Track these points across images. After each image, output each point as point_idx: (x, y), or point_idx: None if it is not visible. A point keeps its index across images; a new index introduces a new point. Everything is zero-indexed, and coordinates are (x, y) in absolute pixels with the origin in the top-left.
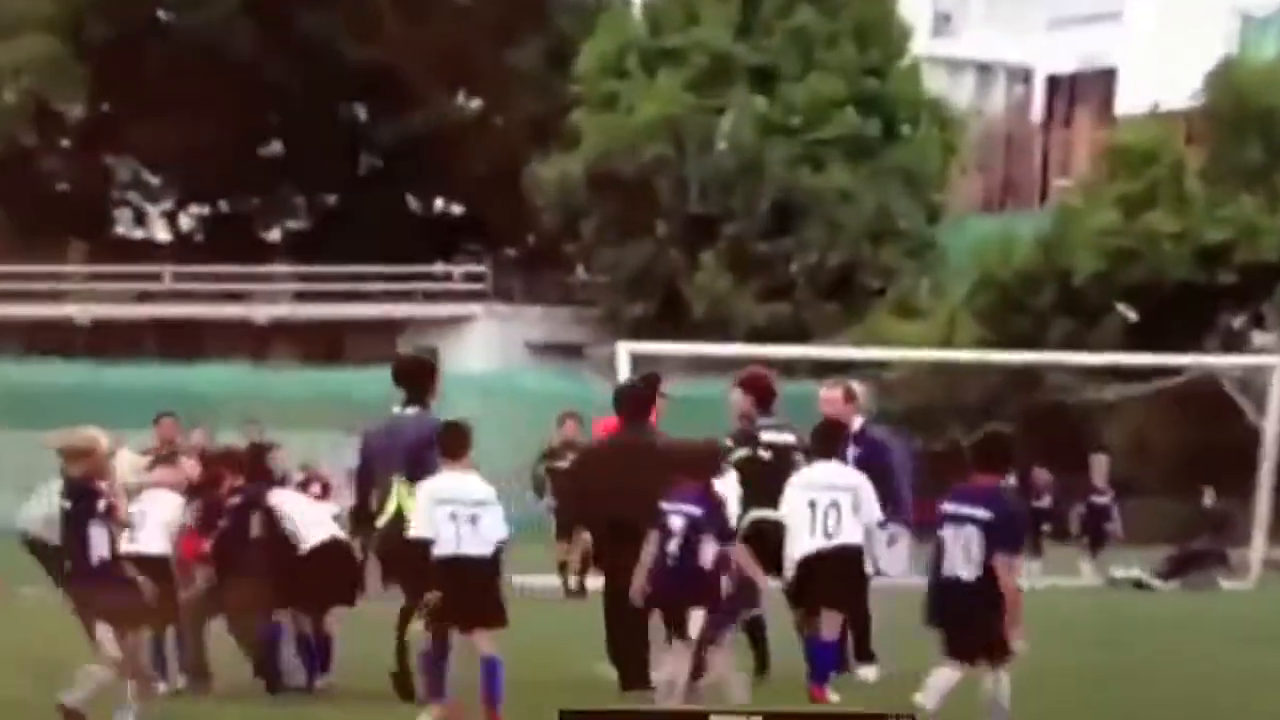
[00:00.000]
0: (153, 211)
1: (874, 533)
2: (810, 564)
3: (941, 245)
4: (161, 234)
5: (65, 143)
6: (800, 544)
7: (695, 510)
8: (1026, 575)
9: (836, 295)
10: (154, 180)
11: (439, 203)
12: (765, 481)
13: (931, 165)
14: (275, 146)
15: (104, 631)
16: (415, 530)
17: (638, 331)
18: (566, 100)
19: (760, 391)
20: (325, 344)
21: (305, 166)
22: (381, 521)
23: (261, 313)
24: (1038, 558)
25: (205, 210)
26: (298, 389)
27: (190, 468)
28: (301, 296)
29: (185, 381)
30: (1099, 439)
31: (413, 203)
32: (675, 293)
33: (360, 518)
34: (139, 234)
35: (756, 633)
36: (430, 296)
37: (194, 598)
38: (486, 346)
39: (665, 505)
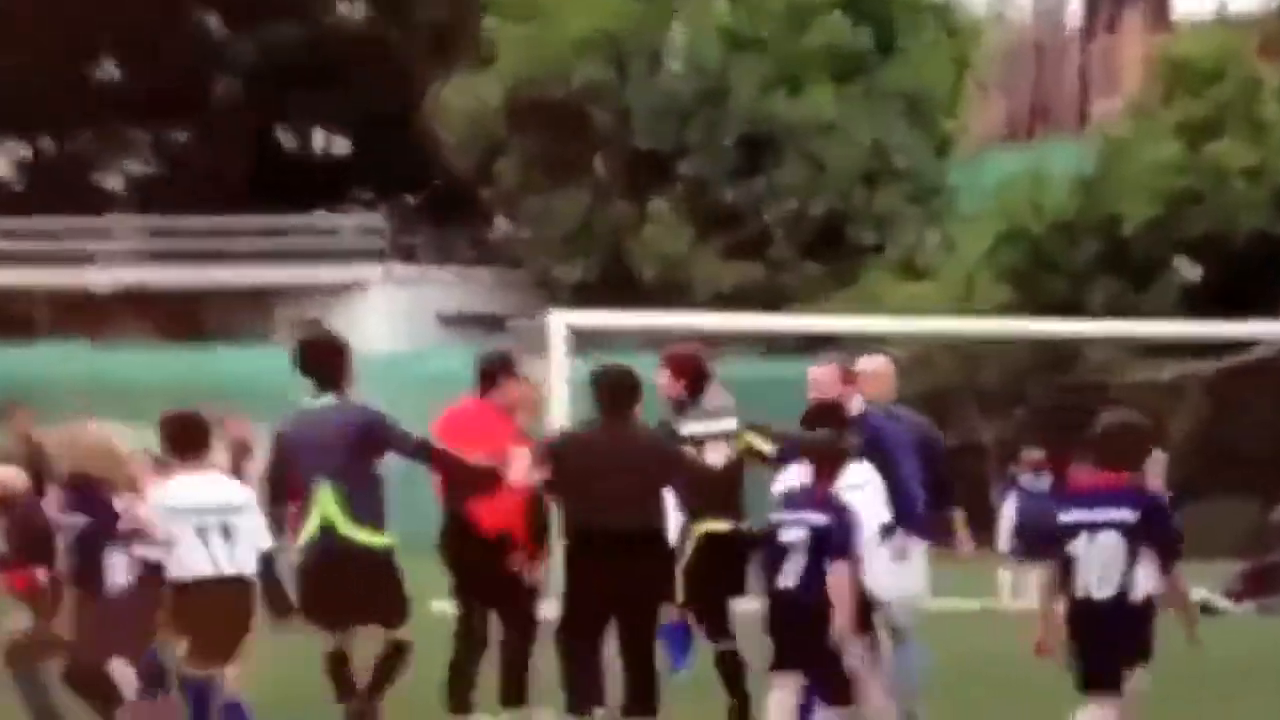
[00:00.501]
0: None
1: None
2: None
3: (953, 187)
4: None
5: None
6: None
7: (820, 519)
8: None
9: (821, 252)
10: None
11: (319, 138)
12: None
13: (939, 85)
14: (109, 69)
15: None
16: (149, 550)
17: (575, 299)
18: (476, 5)
19: (690, 373)
20: (181, 316)
21: (148, 93)
22: (305, 535)
23: (101, 278)
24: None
25: (25, 151)
26: (148, 372)
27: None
28: (150, 257)
29: (8, 365)
30: (1154, 431)
31: (285, 138)
32: (620, 250)
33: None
34: None
35: (734, 670)
36: (312, 256)
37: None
38: (386, 319)
39: (780, 516)
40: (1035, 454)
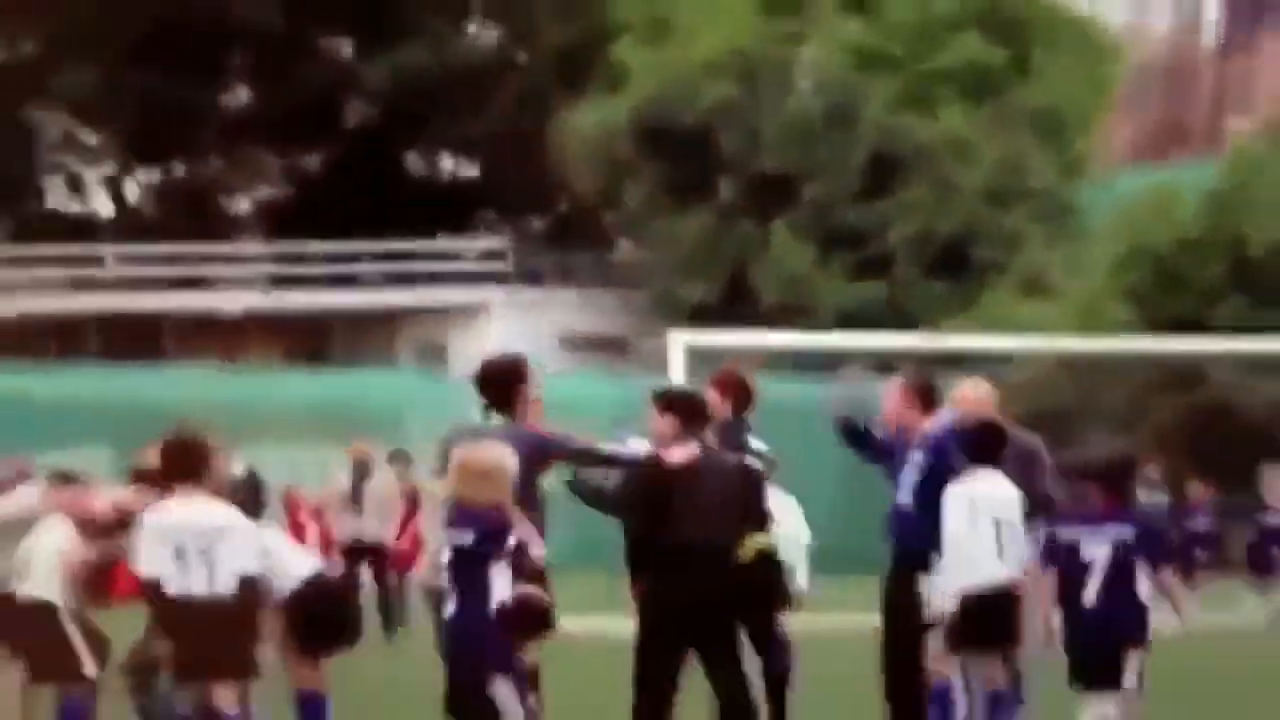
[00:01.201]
0: (91, 178)
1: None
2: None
3: (1081, 207)
4: (103, 207)
5: None
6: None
7: (1126, 530)
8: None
9: (946, 272)
10: (91, 139)
11: (447, 162)
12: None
13: (1073, 105)
14: (241, 94)
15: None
16: (140, 568)
17: (697, 320)
18: (607, 29)
19: (738, 392)
20: (308, 340)
21: (279, 119)
22: None
23: (230, 302)
24: (1191, 591)
25: (156, 176)
26: (276, 395)
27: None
28: (278, 282)
29: (137, 389)
30: (1275, 448)
31: (414, 163)
32: (743, 271)
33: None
34: (75, 207)
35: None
36: (437, 279)
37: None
38: (507, 340)
39: (1075, 529)
40: (1154, 470)
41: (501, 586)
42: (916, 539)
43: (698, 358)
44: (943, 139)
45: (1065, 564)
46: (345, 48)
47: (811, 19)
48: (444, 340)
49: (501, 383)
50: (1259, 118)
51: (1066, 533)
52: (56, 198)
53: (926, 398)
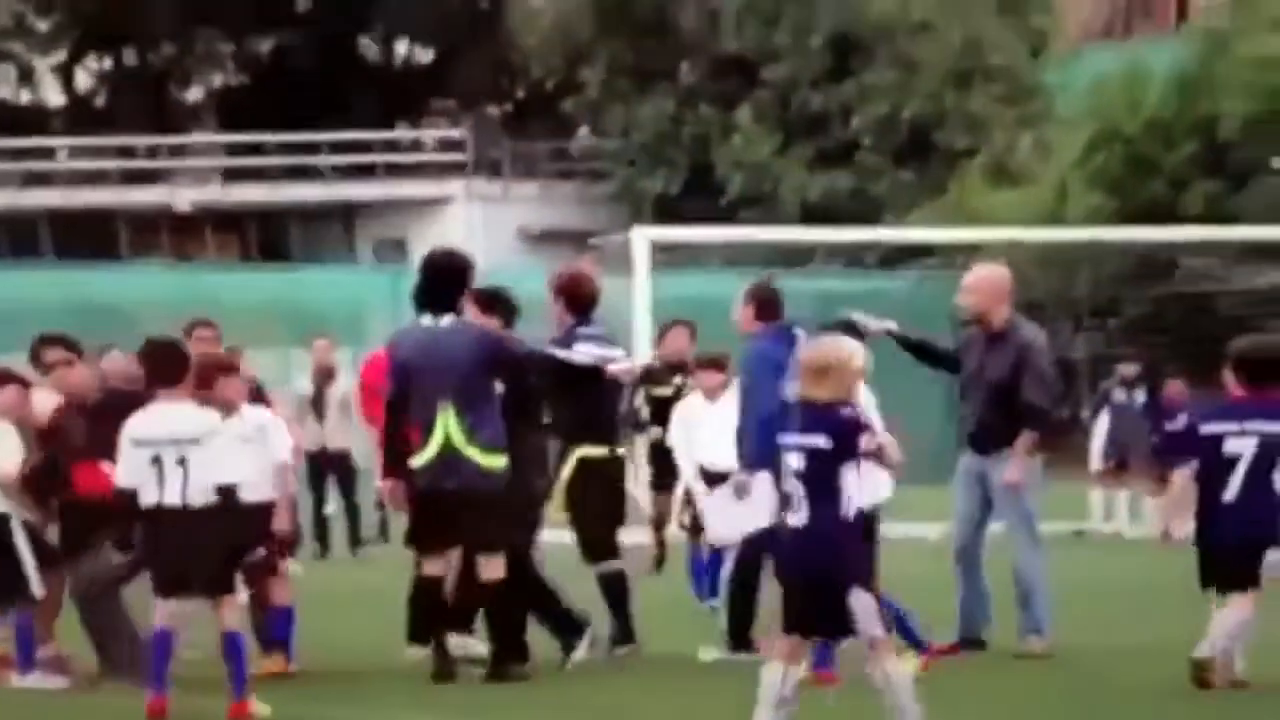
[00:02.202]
0: (40, 66)
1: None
2: None
3: (1048, 88)
4: (53, 96)
5: None
6: None
7: (1273, 427)
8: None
9: (912, 159)
10: (41, 25)
11: (401, 47)
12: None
13: None
14: None
15: None
16: (116, 479)
17: (660, 213)
18: None
19: (570, 295)
20: (264, 236)
21: (232, 3)
22: (423, 458)
23: (184, 197)
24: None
25: (108, 63)
26: (232, 293)
27: None
28: (233, 175)
29: (89, 287)
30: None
31: (369, 49)
32: (706, 161)
33: (395, 455)
34: (25, 97)
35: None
36: (395, 172)
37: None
38: (467, 235)
39: (1219, 427)
40: (1129, 368)
41: (855, 489)
42: None
43: (662, 251)
44: (903, 18)
45: (1206, 458)
46: None
47: None
48: (404, 235)
49: (449, 281)
50: None
51: (1208, 426)
52: (6, 88)
53: (770, 306)
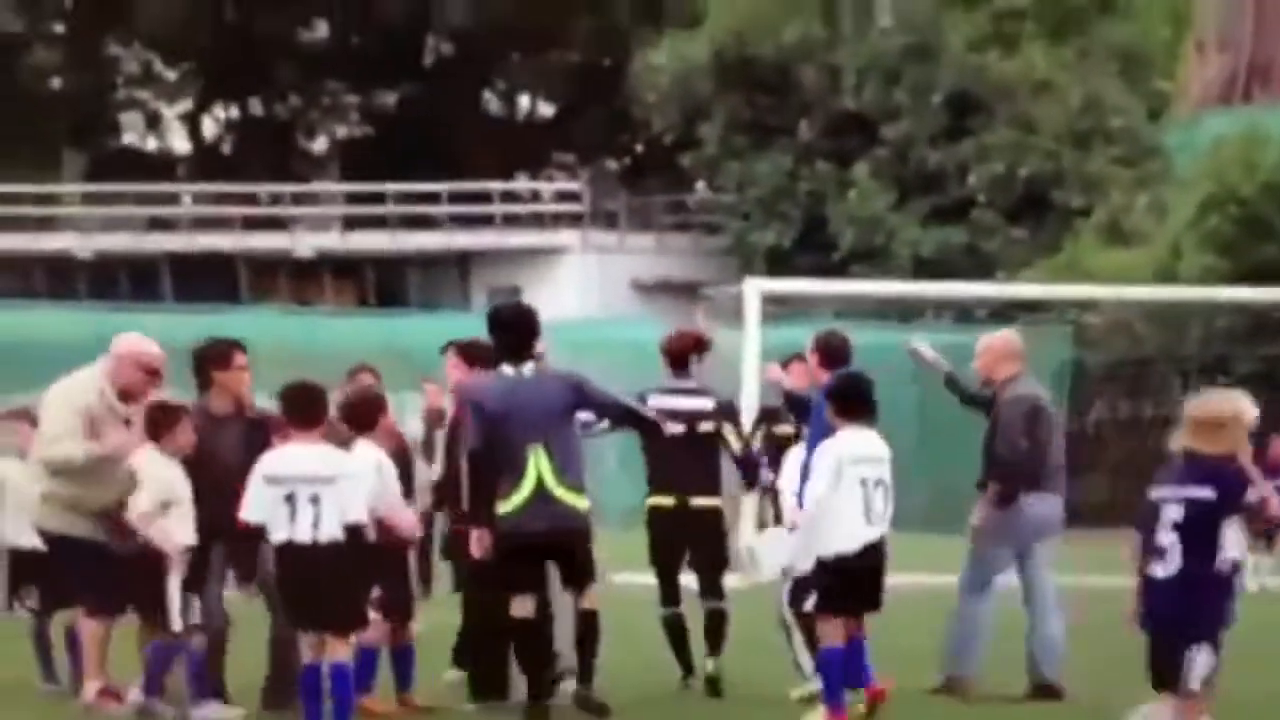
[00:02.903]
0: (168, 114)
1: None
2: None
3: (1166, 150)
4: (179, 143)
5: (58, 27)
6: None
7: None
8: (1254, 573)
9: (1027, 216)
10: (169, 74)
11: (524, 102)
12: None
13: (1156, 43)
14: (320, 29)
15: None
16: (245, 513)
17: (773, 265)
18: None
19: (669, 351)
20: (382, 282)
21: (357, 55)
22: (515, 501)
23: (304, 243)
24: (1270, 551)
25: (233, 112)
26: (349, 338)
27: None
28: (353, 223)
29: (210, 329)
30: None
31: (492, 102)
32: (820, 215)
33: (486, 502)
34: (151, 144)
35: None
36: (512, 221)
37: None
38: (582, 285)
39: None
40: None
41: (1232, 543)
42: None
43: (775, 303)
44: (1024, 77)
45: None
46: None
47: None
48: (518, 283)
49: (526, 332)
50: None
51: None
52: (133, 134)
53: (835, 355)
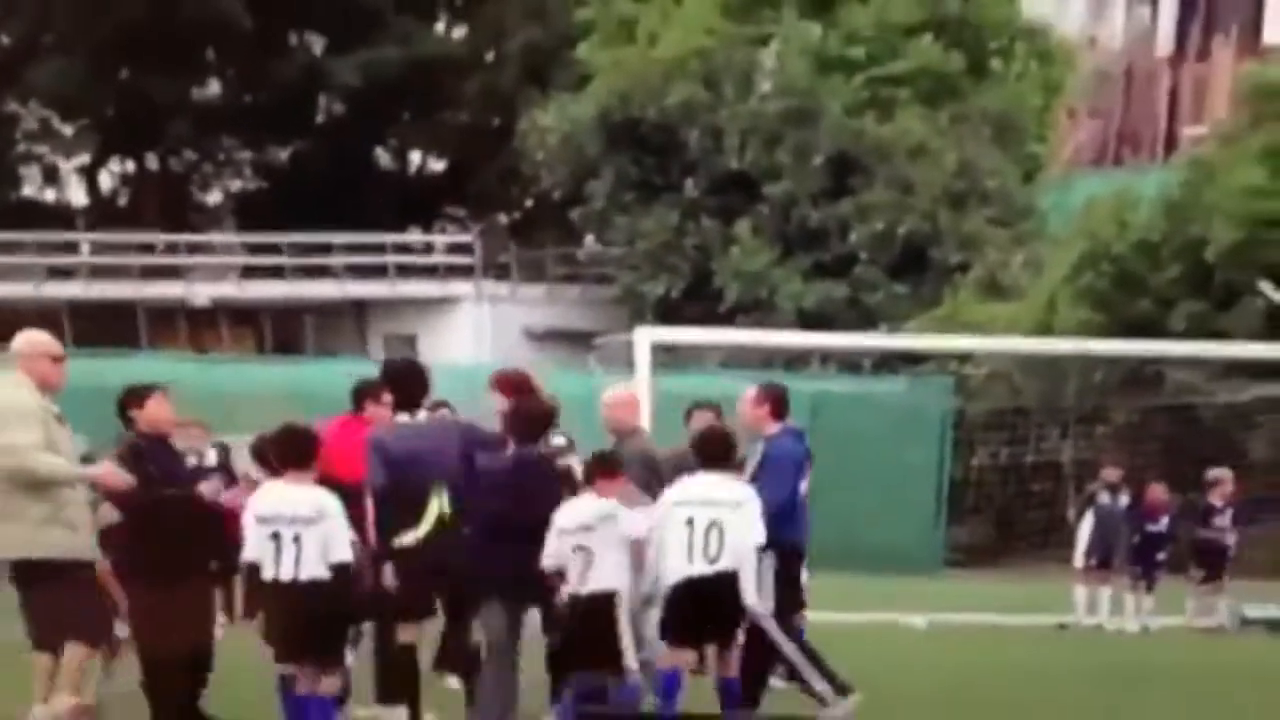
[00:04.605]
0: (66, 168)
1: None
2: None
3: (1040, 210)
4: (78, 196)
5: None
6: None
7: None
8: (1135, 614)
9: (907, 273)
10: (66, 130)
11: (415, 158)
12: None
13: (1029, 110)
14: (213, 87)
15: None
16: (244, 554)
17: (662, 316)
18: (571, 29)
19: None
20: (279, 330)
21: (251, 112)
22: (417, 535)
23: (201, 292)
24: (1149, 592)
25: (130, 166)
26: (245, 384)
27: None
28: (249, 273)
29: (107, 376)
30: (1234, 451)
31: (383, 158)
32: (706, 269)
33: (388, 537)
34: (50, 195)
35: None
36: (406, 272)
37: None
38: (476, 334)
39: None
40: (1114, 472)
41: None
42: None
43: (662, 352)
44: (902, 141)
45: None
46: (316, 44)
47: (772, 22)
48: (413, 331)
49: (421, 384)
50: (1212, 123)
51: None
52: (32, 187)
53: (784, 405)
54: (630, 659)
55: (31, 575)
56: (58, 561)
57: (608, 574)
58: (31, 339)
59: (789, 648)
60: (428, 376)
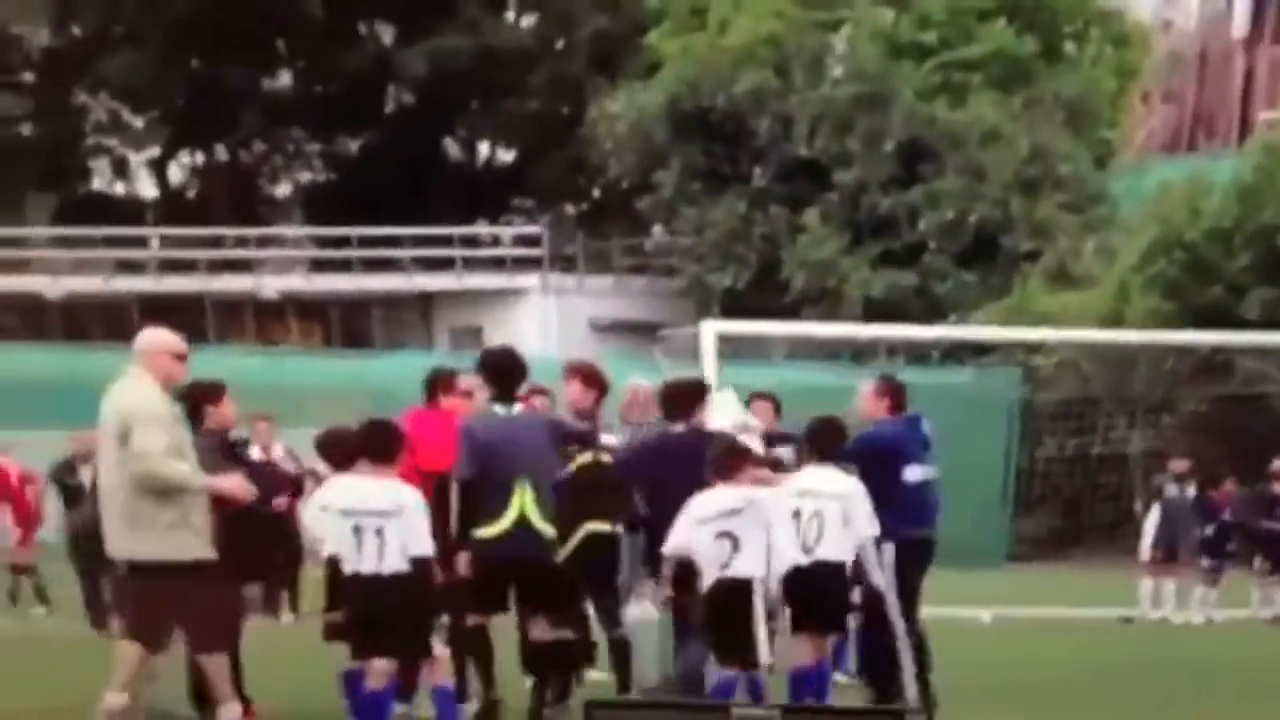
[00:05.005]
0: (135, 160)
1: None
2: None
3: (1112, 196)
4: (147, 189)
5: (27, 76)
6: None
7: None
8: (1201, 606)
9: (976, 261)
10: (137, 122)
11: (484, 149)
12: (603, 490)
13: (1102, 95)
14: (284, 78)
15: None
16: (326, 548)
17: (727, 308)
18: (642, 17)
19: (602, 385)
20: (346, 324)
21: (320, 103)
22: (496, 529)
23: (270, 285)
24: (1215, 585)
25: (199, 159)
26: (314, 378)
27: None
28: (317, 266)
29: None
30: None
31: (452, 149)
32: (774, 259)
33: (468, 528)
34: (119, 189)
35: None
36: (473, 265)
37: None
38: (542, 326)
39: None
40: (1181, 463)
41: None
42: None
43: (728, 344)
44: (974, 127)
45: None
46: (386, 34)
47: (844, 6)
48: (479, 324)
49: (517, 375)
50: None
51: None
52: (102, 180)
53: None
54: (764, 652)
55: (156, 574)
56: (186, 563)
57: (750, 560)
58: (155, 336)
59: (904, 641)
60: (526, 367)
